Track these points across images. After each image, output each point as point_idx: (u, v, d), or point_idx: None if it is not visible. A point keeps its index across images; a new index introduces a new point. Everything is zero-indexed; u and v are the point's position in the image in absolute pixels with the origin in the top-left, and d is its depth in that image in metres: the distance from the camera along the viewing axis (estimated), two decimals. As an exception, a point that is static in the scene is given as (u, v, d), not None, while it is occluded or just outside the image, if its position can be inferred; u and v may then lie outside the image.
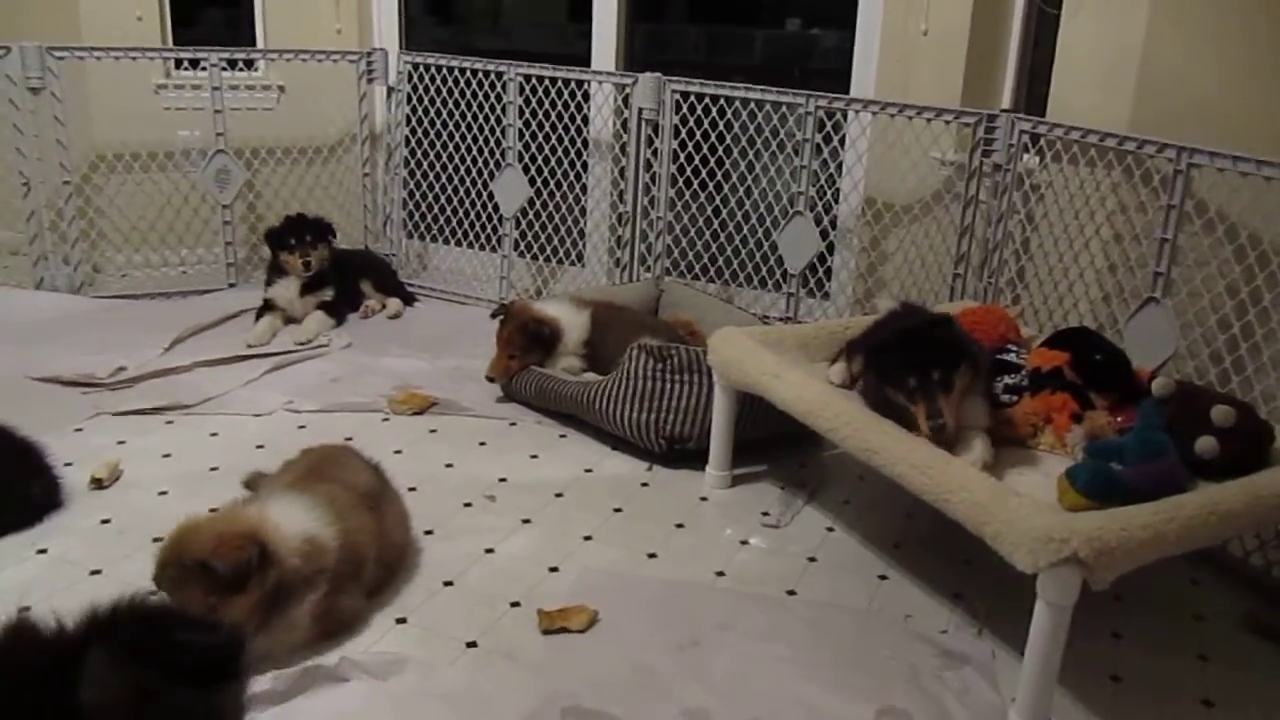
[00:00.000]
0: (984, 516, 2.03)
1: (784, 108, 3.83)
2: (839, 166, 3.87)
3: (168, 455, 2.99)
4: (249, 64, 4.64)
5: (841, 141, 3.84)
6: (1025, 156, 3.37)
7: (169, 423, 3.20)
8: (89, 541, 2.52)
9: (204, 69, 4.29)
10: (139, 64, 4.34)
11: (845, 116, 3.80)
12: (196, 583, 1.95)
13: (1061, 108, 3.28)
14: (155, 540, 2.29)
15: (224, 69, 4.32)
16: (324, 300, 4.11)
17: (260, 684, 1.94)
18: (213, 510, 2.50)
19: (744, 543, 2.71)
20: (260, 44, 4.72)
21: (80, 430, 3.10)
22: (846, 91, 3.93)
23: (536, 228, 4.47)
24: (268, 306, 4.06)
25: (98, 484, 2.77)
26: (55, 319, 4.00)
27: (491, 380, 3.42)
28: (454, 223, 4.61)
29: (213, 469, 2.92)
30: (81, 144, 4.31)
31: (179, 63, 4.57)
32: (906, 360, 2.39)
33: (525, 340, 3.39)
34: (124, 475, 2.85)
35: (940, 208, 3.69)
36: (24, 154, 4.11)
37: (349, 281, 4.27)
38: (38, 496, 2.62)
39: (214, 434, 3.15)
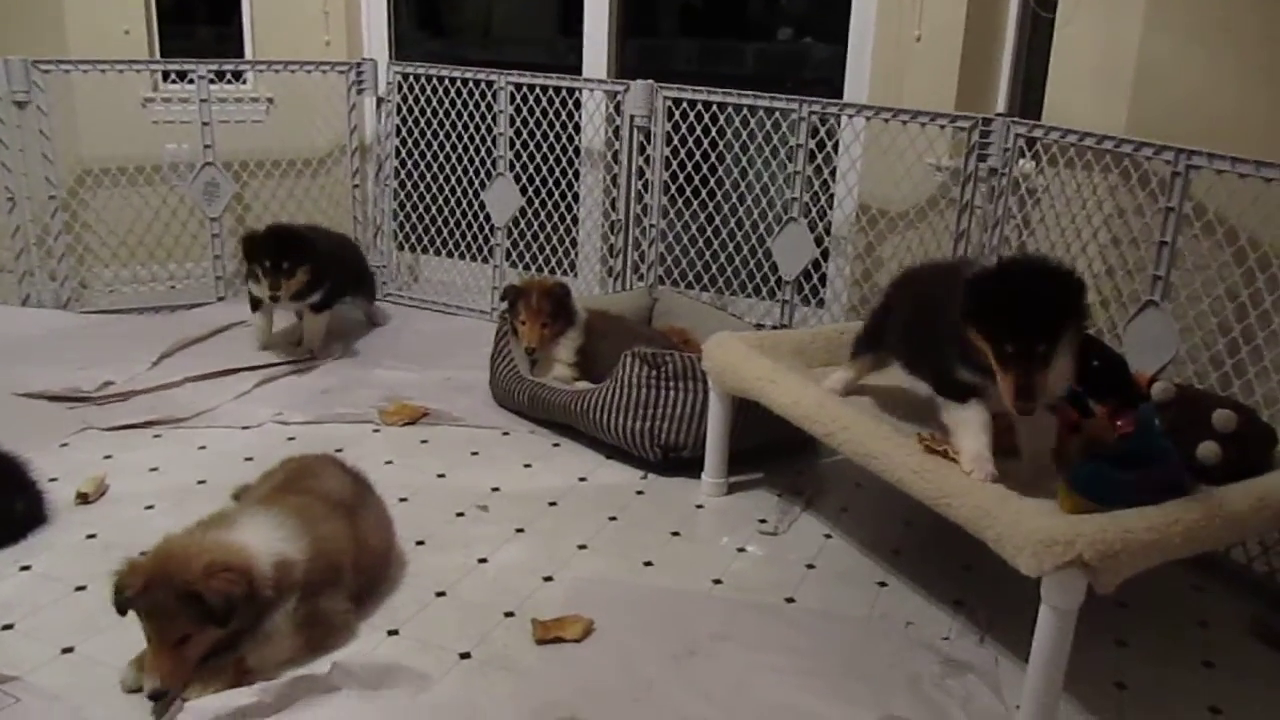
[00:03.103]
0: (986, 520, 1.99)
1: (777, 114, 3.81)
2: (833, 173, 3.84)
3: (155, 469, 2.94)
4: (237, 76, 4.61)
5: (835, 147, 3.82)
6: (1021, 161, 3.34)
7: (157, 437, 3.16)
8: (73, 557, 2.47)
9: (192, 81, 4.26)
10: (126, 77, 4.30)
11: (839, 122, 3.78)
12: (183, 611, 1.89)
13: (1057, 111, 3.26)
14: (142, 554, 2.25)
15: (212, 81, 4.29)
16: (313, 303, 3.85)
17: (249, 696, 1.89)
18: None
19: (741, 550, 2.67)
20: (249, 56, 4.69)
21: (66, 445, 3.05)
22: (837, 99, 3.90)
23: (528, 237, 4.43)
24: (256, 306, 3.86)
25: (83, 499, 2.72)
26: (42, 335, 3.95)
27: (532, 352, 3.34)
28: (445, 234, 4.58)
29: (200, 482, 2.87)
30: (68, 158, 4.27)
31: (167, 75, 4.54)
32: (1017, 317, 2.02)
33: (553, 305, 3.35)
34: (110, 490, 2.80)
35: (935, 213, 3.66)
36: (9, 169, 4.06)
37: (333, 271, 3.92)
38: (21, 512, 2.57)
39: (202, 447, 3.10)
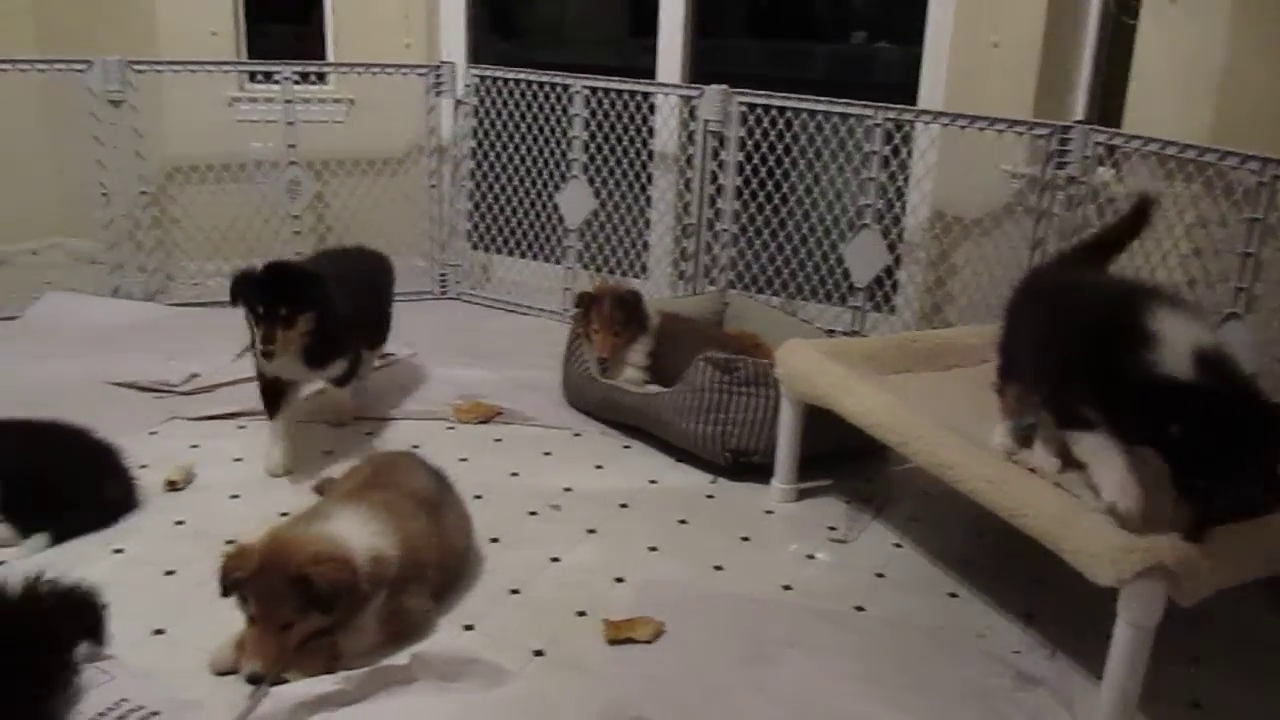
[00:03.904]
0: (1062, 531, 1.98)
1: (851, 120, 3.80)
2: (906, 179, 3.83)
3: (239, 459, 3.03)
4: (320, 77, 4.72)
5: (910, 153, 3.80)
6: (1100, 169, 3.30)
7: (241, 428, 3.25)
8: (163, 542, 2.56)
9: (277, 82, 4.37)
10: (214, 77, 4.44)
11: (913, 128, 3.76)
12: (292, 596, 1.96)
13: (1138, 119, 3.22)
14: (228, 542, 2.33)
15: (296, 82, 4.40)
16: (334, 376, 3.05)
17: (332, 684, 1.96)
18: (283, 515, 2.56)
19: (810, 557, 2.68)
20: (330, 58, 4.81)
21: (155, 434, 3.16)
22: (909, 103, 3.88)
23: (600, 240, 4.48)
24: (272, 392, 2.98)
25: (172, 486, 2.82)
26: (131, 325, 4.09)
27: (604, 360, 3.37)
28: (518, 235, 4.64)
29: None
30: (158, 155, 4.41)
31: (253, 75, 4.66)
32: (1224, 470, 1.79)
33: (625, 313, 3.37)
34: (197, 478, 2.89)
35: (1011, 221, 3.63)
36: (104, 165, 4.22)
37: (354, 323, 3.13)
38: (114, 497, 2.67)
39: (284, 439, 3.19)
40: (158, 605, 2.29)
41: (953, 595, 2.53)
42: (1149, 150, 3.07)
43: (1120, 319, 1.92)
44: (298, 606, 1.96)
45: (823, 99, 3.80)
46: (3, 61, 4.09)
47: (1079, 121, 3.42)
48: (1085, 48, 3.69)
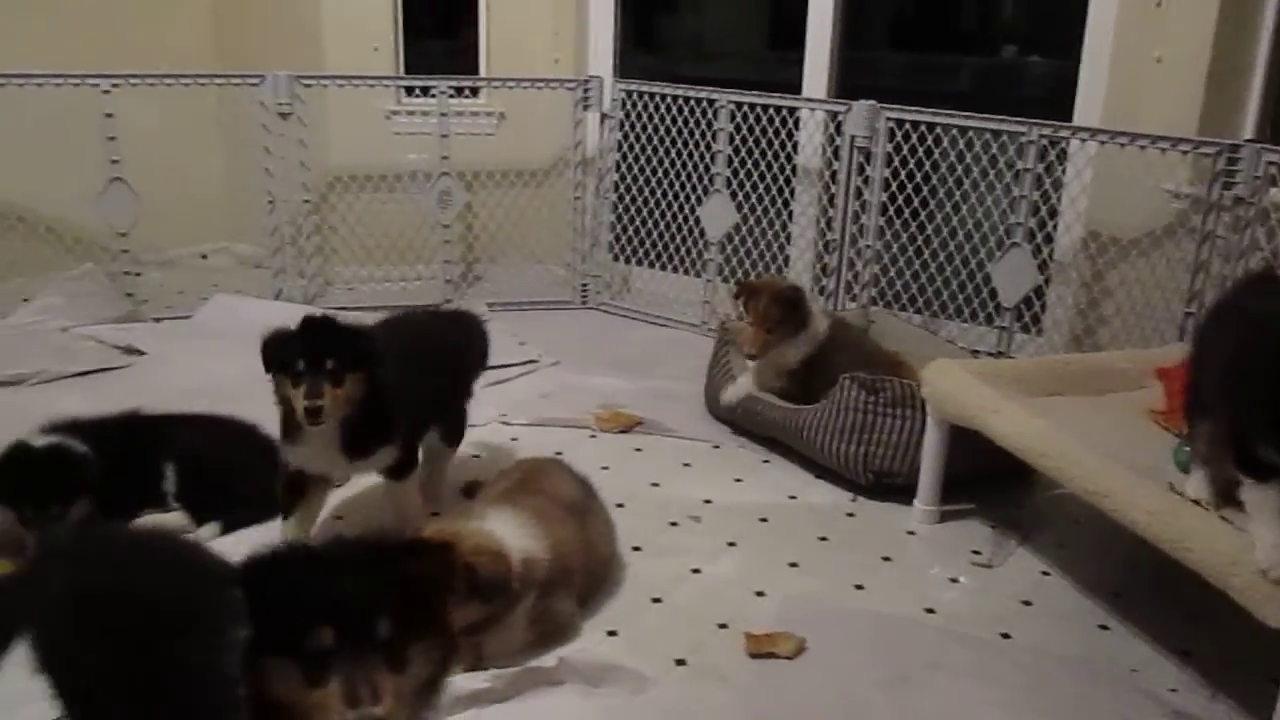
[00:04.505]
0: (1230, 569, 1.91)
1: (1004, 136, 3.72)
2: (1059, 197, 3.72)
3: (391, 459, 3.15)
4: (474, 92, 4.88)
5: (1063, 171, 3.70)
6: (1272, 190, 3.16)
7: (392, 429, 3.38)
8: (322, 537, 2.68)
9: (432, 96, 4.54)
10: (374, 91, 4.64)
11: (1068, 145, 3.66)
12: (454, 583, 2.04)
13: (1316, 139, 3.07)
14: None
15: (451, 96, 4.55)
16: (388, 465, 2.53)
17: (483, 681, 2.03)
18: (434, 514, 2.65)
19: (954, 581, 2.64)
20: (483, 73, 4.96)
21: (314, 432, 3.31)
22: (1061, 119, 3.77)
23: (741, 253, 4.49)
24: (291, 489, 2.51)
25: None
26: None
27: (753, 357, 3.29)
28: (659, 247, 4.70)
29: (432, 475, 3.06)
30: (320, 165, 4.63)
31: (410, 90, 4.85)
32: None
33: (781, 311, 3.22)
34: (351, 477, 3.02)
35: (1171, 243, 3.50)
36: (271, 174, 4.45)
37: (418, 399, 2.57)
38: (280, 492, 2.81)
39: (433, 442, 3.30)
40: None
41: (1103, 627, 2.46)
42: (1327, 171, 2.93)
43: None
44: (459, 595, 2.04)
45: (975, 115, 3.73)
46: (184, 76, 4.37)
47: (1249, 140, 3.28)
48: (1257, 62, 3.53)
